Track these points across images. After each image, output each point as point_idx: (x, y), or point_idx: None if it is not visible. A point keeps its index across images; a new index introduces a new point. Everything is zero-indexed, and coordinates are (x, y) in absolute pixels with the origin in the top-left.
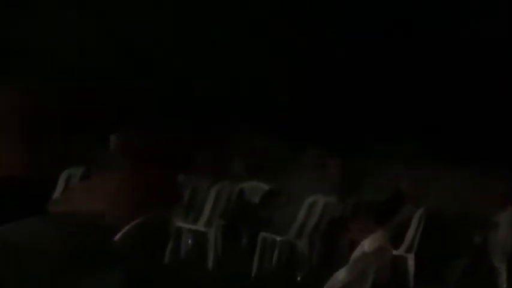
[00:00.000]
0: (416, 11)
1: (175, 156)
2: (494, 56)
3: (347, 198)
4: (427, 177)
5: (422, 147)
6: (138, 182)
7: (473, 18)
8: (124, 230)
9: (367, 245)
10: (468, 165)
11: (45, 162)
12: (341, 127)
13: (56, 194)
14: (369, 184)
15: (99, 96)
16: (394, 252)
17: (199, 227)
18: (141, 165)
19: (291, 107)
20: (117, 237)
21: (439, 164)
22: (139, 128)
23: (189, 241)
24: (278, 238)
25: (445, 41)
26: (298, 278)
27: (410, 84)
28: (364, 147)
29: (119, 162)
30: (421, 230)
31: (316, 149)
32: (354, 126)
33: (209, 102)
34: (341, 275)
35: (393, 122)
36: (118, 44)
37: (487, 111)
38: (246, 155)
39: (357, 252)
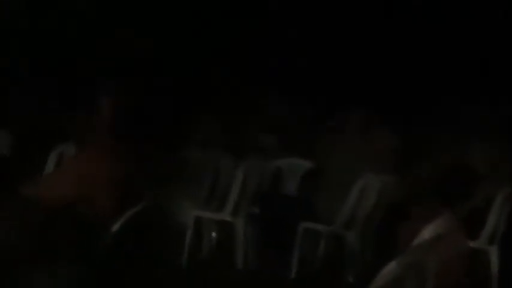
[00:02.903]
0: None
1: (181, 125)
2: None
3: (407, 176)
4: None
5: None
6: (131, 158)
7: None
8: (122, 221)
9: (428, 232)
10: None
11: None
12: (397, 84)
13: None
14: (436, 157)
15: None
16: (472, 244)
17: (225, 216)
18: (133, 139)
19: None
20: (114, 228)
21: None
22: (131, 89)
23: (212, 234)
24: (323, 229)
25: None
26: (350, 279)
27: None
28: (428, 109)
29: (108, 137)
30: (508, 215)
31: (363, 114)
32: (413, 81)
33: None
34: (389, 269)
35: (465, 75)
36: None
37: None
38: (279, 126)
39: (415, 242)
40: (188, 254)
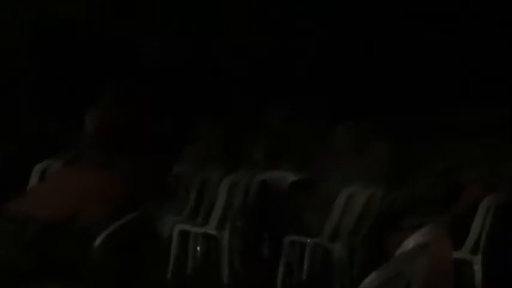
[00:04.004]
0: None
1: (168, 138)
2: None
3: (396, 187)
4: (502, 156)
5: (496, 117)
6: (118, 172)
7: None
8: (104, 234)
9: (411, 242)
10: None
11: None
12: (385, 96)
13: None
14: (424, 168)
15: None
16: (455, 254)
17: (210, 229)
18: (121, 151)
19: (318, 73)
20: (97, 242)
21: None
22: (119, 104)
23: (197, 248)
24: (309, 241)
25: None
26: None
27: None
28: (415, 119)
29: (96, 149)
30: (491, 224)
31: (354, 125)
32: (401, 92)
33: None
34: (371, 279)
35: (457, 84)
36: None
37: None
38: (266, 138)
39: (398, 251)
40: (173, 268)
